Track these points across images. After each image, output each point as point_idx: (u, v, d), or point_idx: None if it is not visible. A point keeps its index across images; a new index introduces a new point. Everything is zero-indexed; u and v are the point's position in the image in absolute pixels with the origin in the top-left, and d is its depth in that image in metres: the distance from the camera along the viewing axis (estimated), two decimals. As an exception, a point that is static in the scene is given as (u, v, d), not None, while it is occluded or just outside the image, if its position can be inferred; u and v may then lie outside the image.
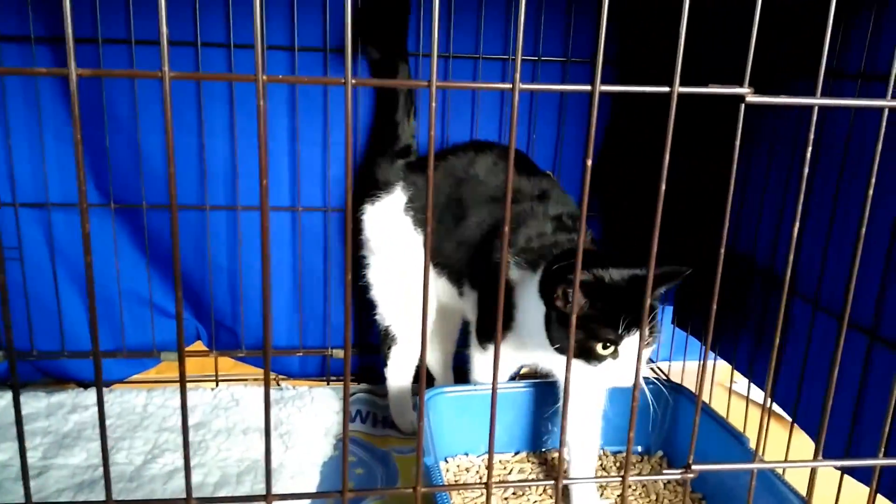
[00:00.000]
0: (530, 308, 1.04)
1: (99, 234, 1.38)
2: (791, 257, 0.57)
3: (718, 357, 1.33)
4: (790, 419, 1.13)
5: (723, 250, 0.55)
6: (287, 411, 1.37)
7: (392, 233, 1.26)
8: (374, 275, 1.32)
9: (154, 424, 1.30)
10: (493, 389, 0.56)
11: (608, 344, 0.93)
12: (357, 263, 1.33)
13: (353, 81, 0.45)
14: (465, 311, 1.27)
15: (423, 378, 0.58)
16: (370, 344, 1.52)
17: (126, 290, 1.42)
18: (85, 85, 1.29)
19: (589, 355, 0.94)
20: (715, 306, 0.58)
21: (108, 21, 1.26)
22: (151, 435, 1.27)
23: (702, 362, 0.83)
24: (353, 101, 1.34)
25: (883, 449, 0.65)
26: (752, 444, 1.12)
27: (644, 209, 0.59)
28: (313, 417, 1.35)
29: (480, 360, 1.22)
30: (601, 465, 1.23)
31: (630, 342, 0.93)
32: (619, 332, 0.92)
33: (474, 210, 1.19)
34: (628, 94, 1.01)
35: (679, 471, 0.60)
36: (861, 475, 0.96)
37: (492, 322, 1.12)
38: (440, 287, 1.27)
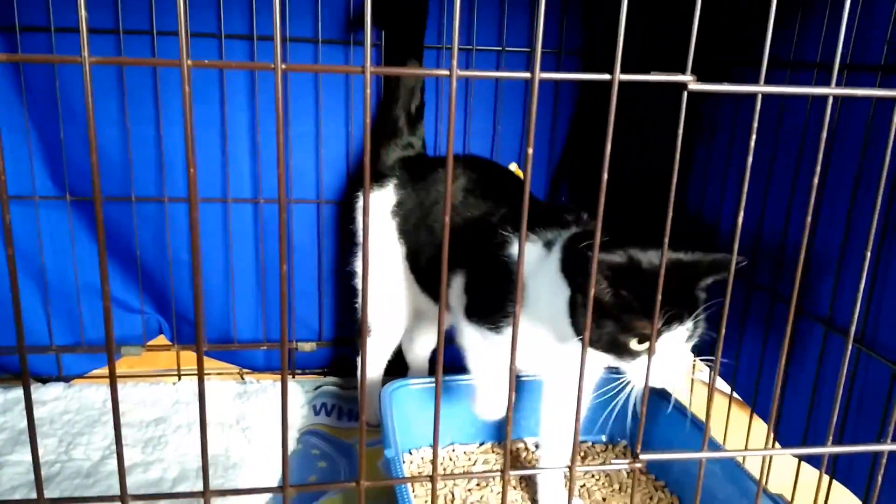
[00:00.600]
0: (542, 291, 0.93)
1: (56, 227, 1.35)
2: (736, 246, 0.56)
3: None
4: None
5: (666, 240, 0.55)
6: (250, 405, 1.36)
7: (377, 230, 1.23)
8: (356, 263, 1.30)
9: (111, 420, 1.28)
10: (437, 382, 0.55)
11: (644, 339, 0.81)
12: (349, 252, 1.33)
13: (283, 67, 0.44)
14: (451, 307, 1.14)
15: (364, 372, 0.57)
16: (342, 337, 1.51)
17: (84, 283, 1.39)
18: (38, 74, 1.26)
19: (621, 351, 0.83)
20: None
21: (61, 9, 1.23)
22: (110, 430, 1.24)
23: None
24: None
25: (831, 437, 0.65)
26: (716, 433, 1.13)
27: (613, 197, 0.58)
28: (277, 410, 1.34)
29: (474, 346, 1.05)
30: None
31: (670, 338, 0.81)
32: (660, 325, 0.80)
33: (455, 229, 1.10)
34: (592, 83, 1.01)
35: (627, 461, 0.60)
36: (818, 462, 0.96)
37: (485, 300, 1.01)
38: (419, 299, 1.24)
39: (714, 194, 1.24)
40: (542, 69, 0.48)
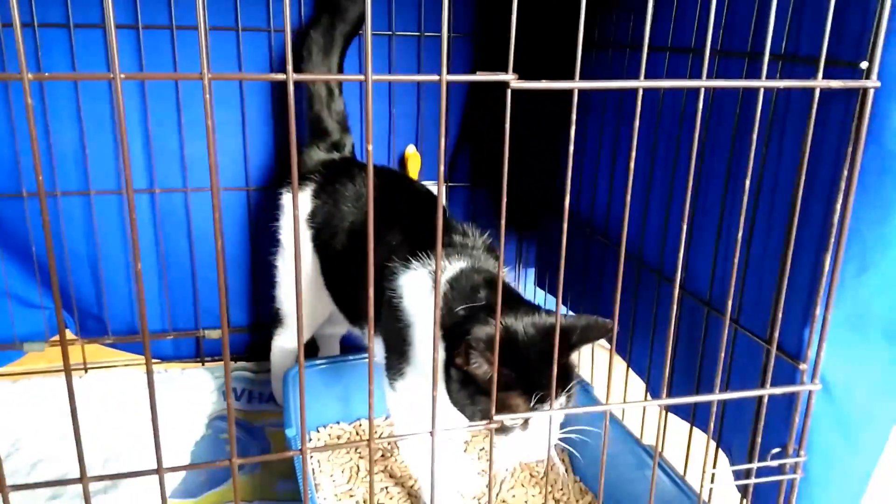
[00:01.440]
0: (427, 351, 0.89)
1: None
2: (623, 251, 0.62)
3: (570, 312, 1.42)
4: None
5: (504, 213, 0.60)
6: (159, 394, 1.37)
7: (290, 234, 1.24)
8: (278, 259, 1.31)
9: (15, 418, 1.28)
10: (301, 368, 0.60)
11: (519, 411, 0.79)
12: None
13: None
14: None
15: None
16: (255, 324, 1.54)
17: (-22, 282, 1.37)
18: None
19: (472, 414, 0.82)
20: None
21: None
22: (14, 427, 1.24)
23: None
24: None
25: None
26: (600, 390, 1.21)
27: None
28: (186, 399, 1.36)
29: (394, 399, 1.02)
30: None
31: (542, 417, 0.80)
32: (532, 403, 0.78)
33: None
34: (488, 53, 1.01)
35: (483, 422, 0.66)
36: (682, 413, 1.05)
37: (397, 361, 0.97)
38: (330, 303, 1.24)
39: (595, 184, 1.30)
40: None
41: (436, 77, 0.55)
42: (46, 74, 0.47)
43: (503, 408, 0.78)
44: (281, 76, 0.50)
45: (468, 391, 0.81)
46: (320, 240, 1.19)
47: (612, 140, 1.23)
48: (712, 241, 0.95)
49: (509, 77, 0.56)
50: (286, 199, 1.26)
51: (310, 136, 1.32)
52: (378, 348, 1.03)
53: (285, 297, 1.32)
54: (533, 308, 0.85)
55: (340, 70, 1.32)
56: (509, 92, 0.56)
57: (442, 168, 0.56)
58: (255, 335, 1.54)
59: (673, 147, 1.04)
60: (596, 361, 1.33)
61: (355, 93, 1.43)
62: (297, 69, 1.28)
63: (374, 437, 0.62)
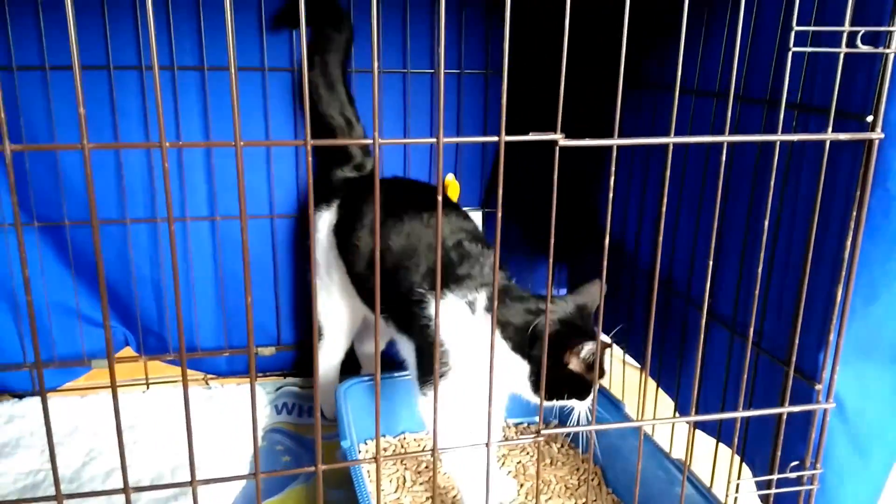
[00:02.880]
0: (478, 355, 1.04)
1: (27, 250, 1.44)
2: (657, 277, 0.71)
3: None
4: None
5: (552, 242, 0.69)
6: (215, 408, 1.47)
7: (323, 246, 1.36)
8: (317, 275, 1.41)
9: (88, 429, 1.38)
10: (376, 381, 0.69)
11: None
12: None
13: (242, 143, 0.57)
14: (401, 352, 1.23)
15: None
16: (301, 341, 1.64)
17: (54, 302, 1.49)
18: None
19: (583, 396, 1.05)
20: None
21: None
22: (86, 438, 1.35)
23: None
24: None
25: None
26: (632, 406, 1.29)
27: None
28: (242, 412, 1.46)
29: (425, 406, 1.12)
30: (504, 436, 1.39)
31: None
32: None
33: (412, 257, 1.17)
34: (512, 93, 1.13)
35: (532, 435, 0.75)
36: (708, 428, 1.13)
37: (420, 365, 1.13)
38: (364, 309, 1.36)
39: (626, 215, 1.39)
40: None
41: (496, 138, 0.64)
42: (96, 144, 0.57)
43: (587, 387, 1.03)
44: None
45: (560, 381, 1.02)
46: (343, 246, 1.30)
47: (641, 173, 1.31)
48: (736, 271, 1.04)
49: (558, 136, 0.65)
50: (319, 214, 1.37)
51: (336, 159, 1.43)
52: (410, 358, 1.17)
53: (320, 308, 1.42)
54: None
55: (347, 89, 1.43)
56: (557, 149, 0.66)
57: (499, 227, 0.65)
58: (303, 352, 1.65)
59: (699, 184, 1.13)
60: (627, 379, 1.41)
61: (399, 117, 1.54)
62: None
63: (437, 448, 0.71)
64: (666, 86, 1.23)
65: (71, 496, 0.66)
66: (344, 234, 1.30)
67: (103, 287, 0.60)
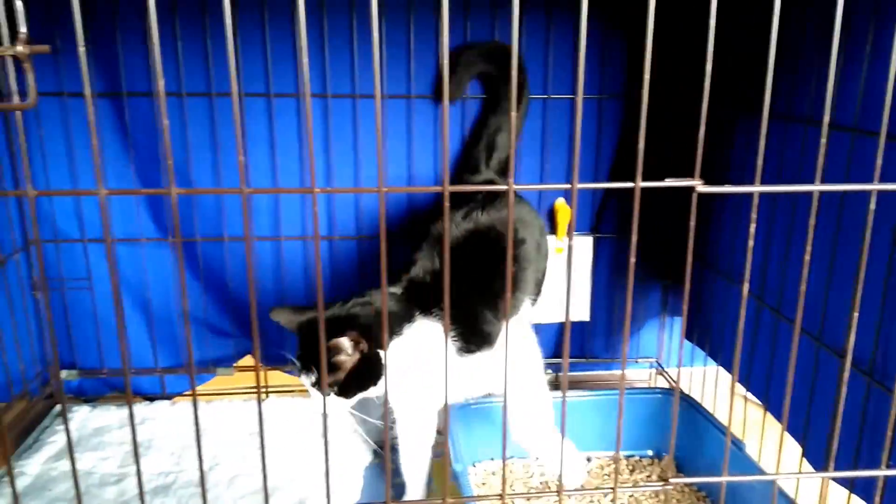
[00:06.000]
0: None
1: (161, 263, 1.55)
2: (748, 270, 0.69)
3: (720, 366, 1.45)
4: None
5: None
6: (331, 419, 1.52)
7: None
8: None
9: (213, 434, 1.46)
10: (505, 399, 0.70)
11: None
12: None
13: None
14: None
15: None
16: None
17: (183, 312, 1.58)
18: (141, 135, 1.46)
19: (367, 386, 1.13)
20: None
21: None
22: (212, 444, 1.43)
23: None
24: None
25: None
26: (749, 449, 1.24)
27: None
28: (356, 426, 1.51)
29: None
30: (607, 470, 1.36)
31: None
32: None
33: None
34: (635, 113, 1.13)
35: (659, 483, 0.73)
36: (846, 484, 1.07)
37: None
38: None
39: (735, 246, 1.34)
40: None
41: (631, 184, 0.64)
42: (253, 190, 0.59)
43: None
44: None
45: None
46: None
47: (768, 211, 1.26)
48: (877, 315, 0.98)
49: (696, 182, 0.64)
50: None
51: (465, 172, 1.47)
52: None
53: None
54: None
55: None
56: (695, 196, 0.64)
57: (633, 260, 0.65)
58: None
59: (833, 225, 1.08)
60: (749, 423, 1.36)
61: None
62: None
63: (562, 490, 0.71)
64: (792, 116, 1.18)
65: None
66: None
67: (252, 301, 0.63)
